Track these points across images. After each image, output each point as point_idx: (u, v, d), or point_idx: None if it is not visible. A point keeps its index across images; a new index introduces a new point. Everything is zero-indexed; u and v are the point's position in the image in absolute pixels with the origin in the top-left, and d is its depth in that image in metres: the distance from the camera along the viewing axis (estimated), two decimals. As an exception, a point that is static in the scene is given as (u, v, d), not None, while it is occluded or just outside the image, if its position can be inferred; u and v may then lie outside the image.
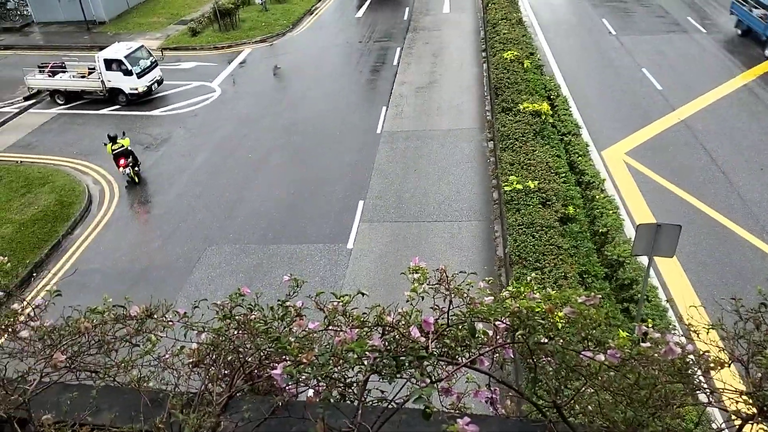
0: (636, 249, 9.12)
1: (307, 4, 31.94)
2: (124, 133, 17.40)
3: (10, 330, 2.37)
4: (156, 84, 22.56)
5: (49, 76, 22.61)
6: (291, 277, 2.46)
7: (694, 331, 2.12)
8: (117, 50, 21.94)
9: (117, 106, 22.15)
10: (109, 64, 21.48)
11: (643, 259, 10.15)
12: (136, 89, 21.70)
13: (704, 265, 12.31)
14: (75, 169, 18.33)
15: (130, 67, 21.35)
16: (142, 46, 22.78)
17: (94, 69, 22.05)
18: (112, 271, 13.79)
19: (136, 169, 17.08)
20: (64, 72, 22.78)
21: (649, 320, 9.43)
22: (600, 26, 25.73)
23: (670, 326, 9.48)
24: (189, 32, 28.50)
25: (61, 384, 2.34)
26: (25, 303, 2.46)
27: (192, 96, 22.60)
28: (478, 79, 21.80)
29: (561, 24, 26.48)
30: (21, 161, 18.65)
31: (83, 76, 22.35)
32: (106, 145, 16.92)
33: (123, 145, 16.79)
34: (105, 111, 22.03)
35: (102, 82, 21.80)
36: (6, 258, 2.70)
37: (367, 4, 31.72)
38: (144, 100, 22.15)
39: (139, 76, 21.65)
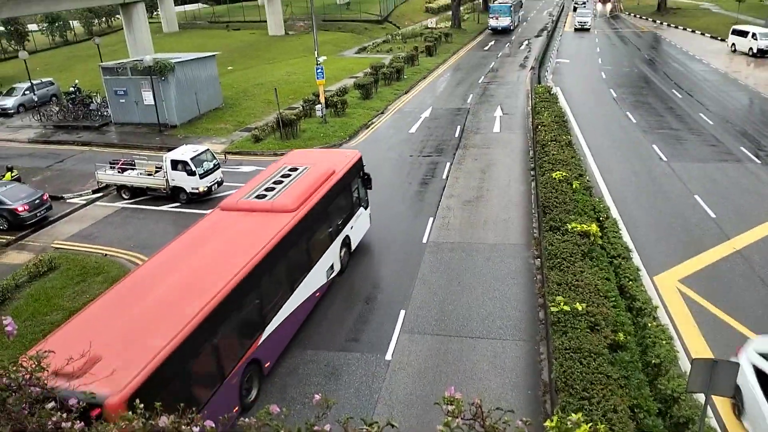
0: (691, 385, 8.59)
1: (365, 118, 33.61)
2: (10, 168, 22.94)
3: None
4: (216, 185, 23.69)
5: (119, 172, 24.12)
6: (322, 397, 2.42)
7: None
8: (184, 152, 23.36)
9: (177, 204, 23.24)
10: (175, 164, 22.83)
11: (700, 396, 9.51)
12: (197, 189, 22.83)
13: (767, 407, 11.39)
14: (129, 261, 18.98)
15: (194, 168, 22.61)
16: (208, 149, 24.21)
17: (160, 168, 23.43)
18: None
19: None
20: (132, 169, 24.28)
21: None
22: (651, 152, 25.94)
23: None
24: (252, 139, 30.23)
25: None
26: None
27: (247, 198, 23.51)
28: (526, 197, 21.99)
29: (611, 148, 26.85)
30: (106, 254, 19.38)
31: (150, 174, 23.73)
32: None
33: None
34: (165, 207, 23.12)
35: (166, 180, 23.06)
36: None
37: (420, 121, 33.14)
38: (203, 199, 23.20)
39: (202, 176, 22.85)
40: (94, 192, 24.93)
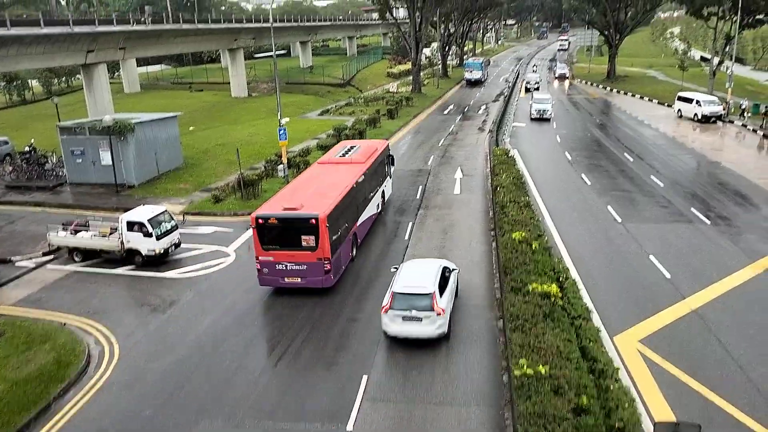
0: (655, 451, 8.48)
1: (326, 178, 33.75)
2: None
3: None
4: (173, 247, 23.18)
5: (72, 234, 23.40)
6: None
7: None
8: (141, 213, 22.89)
9: (132, 266, 22.57)
10: (131, 225, 22.29)
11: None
12: (154, 251, 22.26)
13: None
14: (79, 328, 18.17)
15: (150, 230, 22.11)
16: (166, 210, 23.78)
17: (115, 229, 22.85)
18: (97, 440, 13.01)
19: None
20: (86, 230, 23.60)
21: None
22: (606, 213, 26.67)
23: None
24: (212, 199, 29.93)
25: None
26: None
27: (206, 260, 23.08)
28: (487, 257, 22.16)
29: (568, 209, 27.52)
30: (65, 324, 18.42)
31: (104, 236, 23.10)
32: None
33: None
34: (119, 270, 22.41)
35: (121, 242, 22.46)
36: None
37: (382, 181, 33.34)
38: (159, 261, 22.61)
39: (159, 238, 22.33)
40: (44, 254, 24.05)
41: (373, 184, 25.70)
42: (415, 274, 16.78)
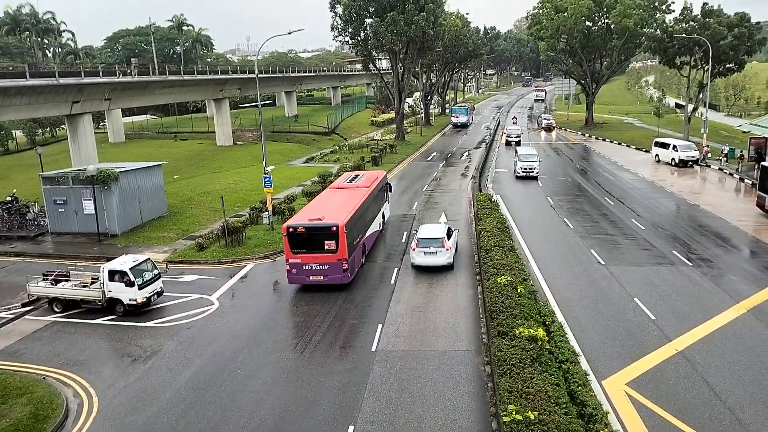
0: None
1: (311, 225, 33.76)
2: None
3: None
4: (156, 295, 22.86)
5: (52, 284, 23.01)
6: None
7: None
8: (123, 262, 22.63)
9: (113, 316, 22.17)
10: (113, 274, 22.01)
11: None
12: (135, 300, 21.93)
13: None
14: (58, 380, 17.66)
15: (133, 279, 21.82)
16: (148, 258, 23.56)
17: (97, 279, 22.52)
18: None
19: None
20: (67, 280, 23.23)
21: None
22: (589, 256, 26.88)
23: None
24: (196, 247, 29.72)
25: None
26: None
27: (189, 308, 22.75)
28: (473, 301, 22.11)
29: (552, 253, 27.71)
30: (45, 377, 17.86)
31: (85, 285, 22.74)
32: None
33: None
34: (99, 321, 21.99)
35: (102, 292, 22.11)
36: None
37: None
38: (141, 311, 22.25)
39: (141, 287, 22.03)
40: (23, 305, 23.56)
41: (375, 205, 30.82)
42: (431, 230, 26.43)
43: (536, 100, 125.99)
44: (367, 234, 27.91)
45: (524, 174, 47.13)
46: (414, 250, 25.41)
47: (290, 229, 23.39)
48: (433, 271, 25.42)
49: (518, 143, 63.88)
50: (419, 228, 27.25)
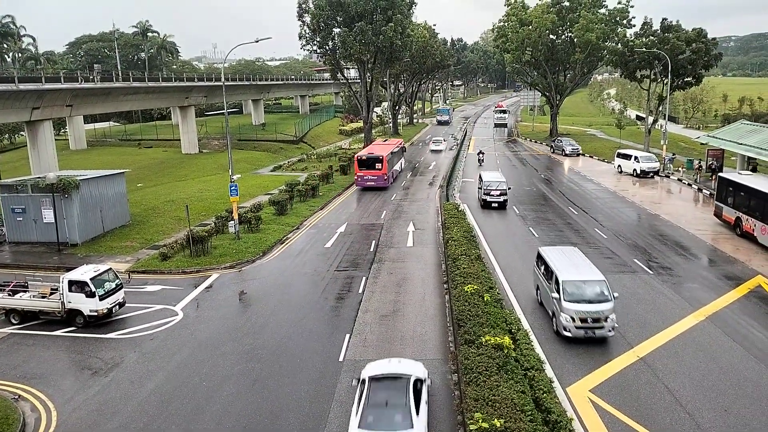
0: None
1: (280, 234, 33.53)
2: None
3: None
4: (117, 306, 22.33)
5: (9, 295, 22.29)
6: None
7: None
8: (84, 272, 22.05)
9: (72, 328, 21.57)
10: (72, 285, 21.43)
11: None
12: (96, 311, 21.38)
13: None
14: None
15: (93, 289, 21.28)
16: (110, 268, 23.01)
17: (56, 289, 21.90)
18: None
19: None
20: (25, 291, 22.53)
21: None
22: (554, 264, 27.20)
23: None
24: (160, 256, 29.14)
25: None
26: None
27: (152, 319, 22.28)
28: (441, 310, 22.20)
29: (517, 261, 28.04)
30: (18, 397, 17.07)
31: (44, 296, 22.09)
32: None
33: None
34: (59, 332, 21.36)
35: (62, 303, 21.50)
36: None
37: (336, 236, 33.49)
38: (102, 322, 21.70)
39: (102, 298, 21.50)
40: (-23, 317, 22.75)
41: (398, 155, 55.78)
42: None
43: (497, 125, 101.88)
44: (395, 167, 52.58)
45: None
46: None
47: (360, 157, 47.47)
48: (400, 278, 25.47)
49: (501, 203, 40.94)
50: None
